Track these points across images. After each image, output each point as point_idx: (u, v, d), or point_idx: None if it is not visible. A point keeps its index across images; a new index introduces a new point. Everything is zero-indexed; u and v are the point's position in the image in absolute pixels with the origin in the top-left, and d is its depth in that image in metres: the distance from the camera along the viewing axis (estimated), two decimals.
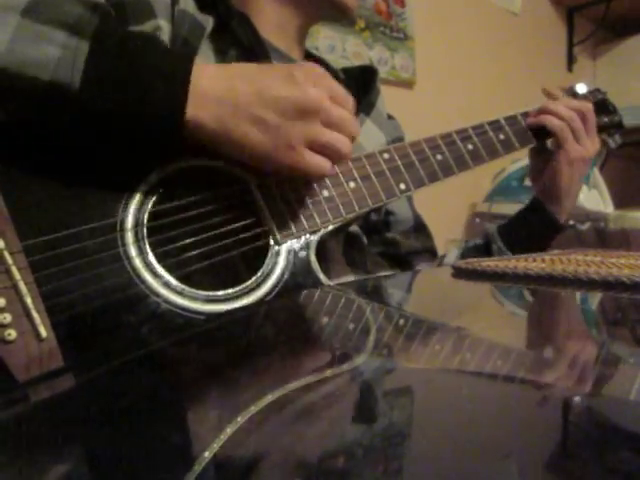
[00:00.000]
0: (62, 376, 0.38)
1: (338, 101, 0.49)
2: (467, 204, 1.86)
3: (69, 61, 0.41)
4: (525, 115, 0.74)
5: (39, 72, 0.40)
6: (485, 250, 0.81)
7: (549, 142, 0.78)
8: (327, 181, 0.54)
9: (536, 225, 0.80)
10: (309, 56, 0.80)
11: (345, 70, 0.83)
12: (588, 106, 0.76)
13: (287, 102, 0.45)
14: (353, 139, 0.50)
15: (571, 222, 1.76)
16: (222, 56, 0.60)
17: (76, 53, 0.41)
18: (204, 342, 0.38)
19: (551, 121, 0.73)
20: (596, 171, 1.71)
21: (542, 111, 0.75)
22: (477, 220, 1.77)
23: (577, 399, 0.23)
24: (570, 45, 2.35)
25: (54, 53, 0.40)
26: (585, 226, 1.76)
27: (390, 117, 0.85)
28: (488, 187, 1.75)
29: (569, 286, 0.41)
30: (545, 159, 0.78)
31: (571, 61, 2.35)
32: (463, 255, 0.83)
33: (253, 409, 0.21)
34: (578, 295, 0.43)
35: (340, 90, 0.49)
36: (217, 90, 0.44)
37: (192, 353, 0.34)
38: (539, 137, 0.75)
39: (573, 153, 0.74)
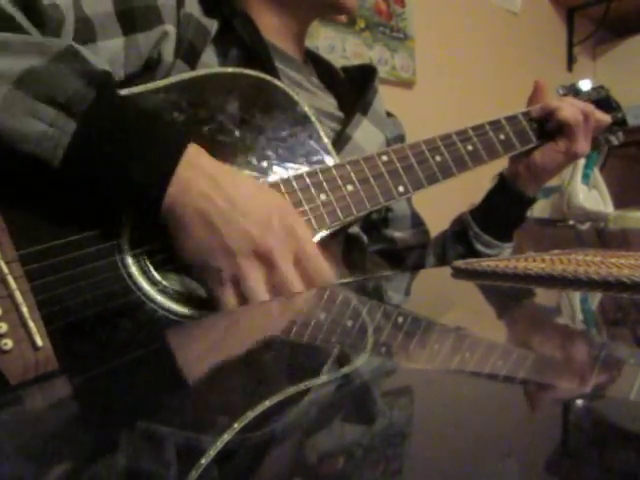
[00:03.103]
0: (57, 378, 0.38)
1: (304, 267, 0.46)
2: (467, 204, 1.86)
3: (53, 139, 0.40)
4: (526, 115, 0.74)
5: (21, 145, 0.40)
6: (463, 237, 0.81)
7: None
8: (325, 185, 0.53)
9: (509, 204, 0.80)
10: (310, 55, 0.80)
11: (344, 69, 0.84)
12: (591, 108, 0.76)
13: (244, 235, 0.44)
14: None
15: (571, 222, 1.76)
16: (224, 57, 0.60)
17: (62, 132, 0.40)
18: (202, 344, 0.38)
19: (564, 112, 0.73)
20: (596, 171, 1.71)
21: (548, 107, 0.75)
22: None
23: (577, 399, 0.23)
24: (570, 45, 2.35)
25: (39, 128, 0.40)
26: (585, 226, 1.76)
27: (390, 115, 0.85)
28: (488, 187, 1.74)
29: (569, 286, 0.41)
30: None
31: (571, 61, 2.35)
32: (444, 246, 0.83)
33: (250, 414, 0.21)
34: (578, 295, 0.43)
35: (310, 252, 0.47)
36: (195, 190, 0.43)
37: (189, 356, 0.34)
38: (540, 136, 0.75)
39: (576, 147, 0.74)
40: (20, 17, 0.46)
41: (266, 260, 0.45)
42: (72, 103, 0.41)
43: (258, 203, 0.46)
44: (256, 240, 0.44)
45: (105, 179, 0.42)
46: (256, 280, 0.45)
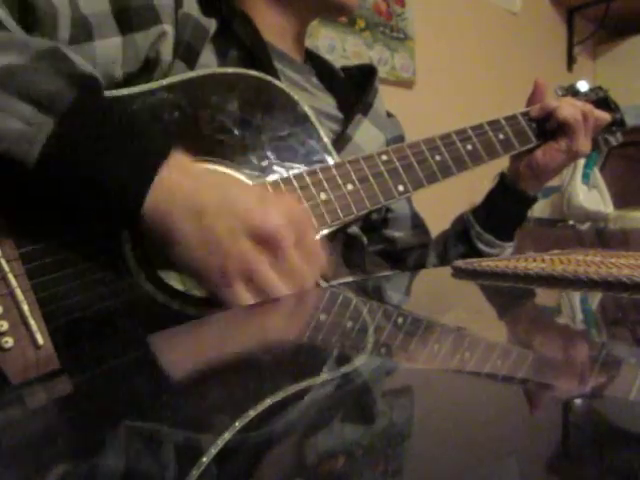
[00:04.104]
0: (58, 377, 0.38)
1: (303, 246, 0.44)
2: (467, 205, 1.86)
3: (28, 137, 0.39)
4: (525, 115, 0.74)
5: None
6: (464, 236, 0.82)
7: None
8: (325, 184, 0.53)
9: (510, 203, 0.81)
10: (310, 55, 0.80)
11: (344, 69, 0.84)
12: (590, 107, 0.76)
13: (243, 218, 0.41)
14: (301, 288, 0.45)
15: (571, 222, 1.76)
16: (223, 57, 0.60)
17: (38, 130, 0.39)
18: (203, 343, 0.38)
19: (564, 111, 0.73)
20: (596, 171, 1.71)
21: (548, 107, 0.75)
22: None
23: (577, 399, 0.23)
24: (570, 45, 2.35)
25: (16, 126, 0.38)
26: (585, 226, 1.76)
27: (389, 115, 0.85)
28: (488, 187, 1.74)
29: (569, 286, 0.41)
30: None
31: (571, 61, 2.35)
32: (445, 246, 0.84)
33: (252, 413, 0.21)
34: (578, 295, 0.43)
35: (310, 237, 0.45)
36: (181, 189, 0.41)
37: (190, 355, 0.34)
38: (540, 136, 0.75)
39: (576, 145, 0.74)
40: (5, 17, 0.45)
41: (270, 244, 0.42)
42: (51, 102, 0.39)
43: (249, 191, 0.45)
44: (257, 224, 0.42)
45: (80, 184, 0.40)
46: (266, 268, 0.42)
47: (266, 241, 0.42)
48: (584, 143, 0.75)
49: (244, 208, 0.42)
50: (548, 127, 0.75)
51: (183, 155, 0.43)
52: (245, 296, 0.42)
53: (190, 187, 0.41)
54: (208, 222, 0.41)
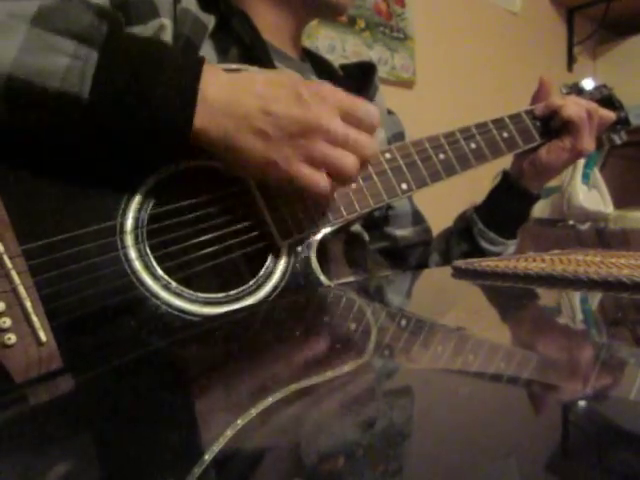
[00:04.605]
0: (61, 377, 0.38)
1: (352, 117, 0.47)
2: (468, 204, 1.86)
3: (78, 71, 0.40)
4: (529, 113, 0.74)
5: (48, 82, 0.40)
6: (467, 234, 0.81)
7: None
8: None
9: (513, 201, 0.81)
10: (307, 53, 0.80)
11: (343, 67, 0.84)
12: (595, 105, 0.76)
13: (289, 120, 0.45)
14: (366, 158, 0.48)
15: (571, 222, 1.76)
16: (223, 55, 0.60)
17: (85, 63, 0.41)
18: (204, 343, 0.38)
19: (569, 110, 0.73)
20: (596, 171, 1.71)
21: (552, 105, 0.74)
22: None
23: (577, 399, 0.23)
24: (570, 45, 2.35)
25: (63, 63, 0.40)
26: (585, 226, 1.76)
27: (390, 112, 0.85)
28: (489, 187, 1.74)
29: (569, 286, 0.41)
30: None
31: (571, 61, 2.35)
32: (448, 244, 0.83)
33: (253, 411, 0.21)
34: (578, 295, 0.43)
35: (355, 105, 0.48)
36: (223, 101, 0.44)
37: (192, 355, 0.34)
38: (544, 134, 0.75)
39: (581, 144, 0.74)
40: None
41: (321, 132, 0.45)
42: (90, 34, 0.41)
43: (281, 85, 0.47)
44: (301, 119, 0.45)
45: (135, 105, 0.42)
46: (322, 145, 0.46)
47: (312, 129, 0.45)
48: (588, 141, 0.75)
49: (283, 112, 0.45)
50: (552, 125, 0.75)
51: (213, 66, 0.46)
52: (312, 172, 0.46)
53: (228, 95, 0.45)
54: (259, 123, 0.44)
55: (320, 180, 0.46)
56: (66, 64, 0.40)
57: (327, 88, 0.48)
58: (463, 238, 0.82)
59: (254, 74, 0.49)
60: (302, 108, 0.45)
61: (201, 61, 0.45)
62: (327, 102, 0.47)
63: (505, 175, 0.81)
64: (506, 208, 0.81)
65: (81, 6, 0.42)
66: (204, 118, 0.43)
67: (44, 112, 0.42)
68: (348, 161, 0.47)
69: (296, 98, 0.46)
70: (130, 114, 0.43)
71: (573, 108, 0.73)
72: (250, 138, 0.45)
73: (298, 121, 0.45)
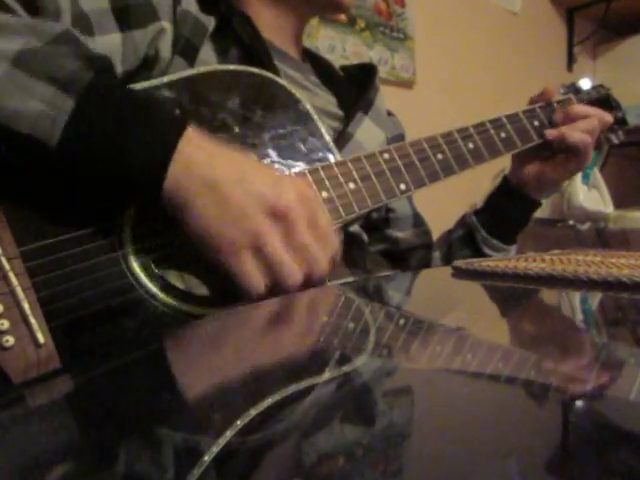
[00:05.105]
0: (60, 378, 0.38)
1: (316, 227, 0.44)
2: (467, 204, 1.86)
3: (50, 117, 0.39)
4: (527, 112, 0.74)
5: (18, 124, 0.39)
6: (469, 240, 0.82)
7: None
8: (326, 182, 0.53)
9: (517, 209, 0.81)
10: (308, 54, 0.80)
11: (344, 68, 0.84)
12: (595, 121, 0.75)
13: (257, 192, 0.42)
14: (312, 277, 0.45)
15: (571, 222, 1.76)
16: (223, 56, 0.60)
17: (59, 110, 0.39)
18: (203, 343, 0.38)
19: (574, 137, 0.73)
20: (596, 171, 1.71)
21: (568, 117, 0.74)
22: None
23: (577, 399, 0.23)
24: (570, 45, 2.35)
25: (37, 108, 0.39)
26: (585, 226, 1.76)
27: (390, 114, 0.85)
28: (488, 187, 1.75)
29: (569, 286, 0.41)
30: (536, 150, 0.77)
31: (571, 61, 2.35)
32: (450, 248, 0.83)
33: (253, 412, 0.21)
34: (578, 295, 0.43)
35: (323, 220, 0.45)
36: (197, 162, 0.42)
37: (191, 355, 0.34)
38: (541, 135, 0.75)
39: (587, 161, 0.75)
40: (15, 5, 0.46)
41: (283, 220, 0.43)
42: (70, 82, 0.40)
43: (266, 172, 0.45)
44: (270, 199, 0.42)
45: (103, 160, 0.41)
46: (276, 243, 0.42)
47: (279, 216, 0.43)
48: (591, 155, 0.76)
49: (259, 183, 0.43)
50: (556, 147, 0.75)
51: (198, 130, 0.44)
52: (251, 269, 0.42)
53: (207, 162, 0.42)
54: (223, 195, 0.41)
55: (255, 283, 0.43)
56: (39, 109, 0.39)
57: (308, 191, 0.46)
58: (466, 244, 0.82)
59: (246, 155, 0.48)
60: (276, 192, 0.43)
61: (183, 124, 0.43)
62: (303, 203, 0.44)
63: (506, 181, 0.81)
64: (508, 214, 0.81)
65: (67, 52, 0.41)
66: (177, 177, 0.41)
67: (13, 152, 0.41)
68: (293, 273, 0.43)
69: (274, 182, 0.44)
70: (97, 169, 0.41)
71: (577, 136, 0.73)
72: (209, 202, 0.42)
73: (266, 201, 0.42)
